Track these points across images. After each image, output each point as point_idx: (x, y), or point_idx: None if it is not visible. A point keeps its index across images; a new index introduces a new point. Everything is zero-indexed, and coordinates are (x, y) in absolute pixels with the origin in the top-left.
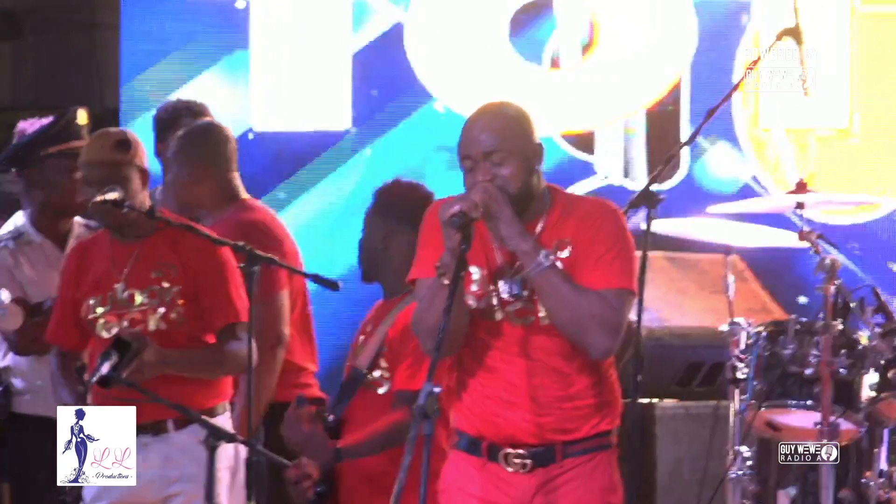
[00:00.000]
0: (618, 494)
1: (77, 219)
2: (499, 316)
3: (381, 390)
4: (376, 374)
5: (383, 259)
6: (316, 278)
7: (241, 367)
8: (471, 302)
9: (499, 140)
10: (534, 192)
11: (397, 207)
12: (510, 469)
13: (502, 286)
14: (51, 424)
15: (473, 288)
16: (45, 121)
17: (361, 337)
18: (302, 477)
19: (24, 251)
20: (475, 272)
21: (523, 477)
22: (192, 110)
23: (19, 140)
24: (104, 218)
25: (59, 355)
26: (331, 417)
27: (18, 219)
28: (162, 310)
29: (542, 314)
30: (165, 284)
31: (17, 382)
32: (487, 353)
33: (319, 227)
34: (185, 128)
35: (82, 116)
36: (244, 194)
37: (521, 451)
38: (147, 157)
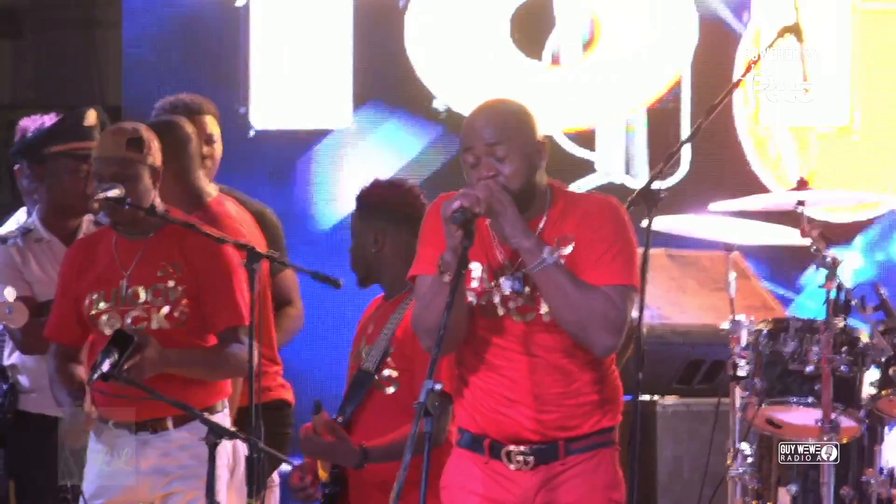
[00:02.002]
0: (620, 491)
1: (88, 216)
2: (500, 312)
3: (389, 390)
4: (384, 374)
5: (378, 261)
6: (317, 276)
7: (241, 370)
8: (470, 298)
9: (501, 133)
10: (536, 189)
11: (383, 207)
12: (513, 466)
13: (504, 283)
14: (55, 423)
15: (473, 284)
16: (48, 118)
17: (364, 337)
18: (306, 484)
19: (32, 248)
20: (475, 268)
21: (526, 474)
22: (190, 108)
23: (25, 136)
24: (110, 215)
25: (57, 356)
26: (340, 419)
27: (22, 215)
28: (166, 309)
29: (543, 311)
30: (171, 283)
31: (24, 380)
32: (489, 351)
33: (320, 225)
34: (148, 123)
35: (91, 117)
36: (211, 193)
37: (523, 448)
38: (159, 158)
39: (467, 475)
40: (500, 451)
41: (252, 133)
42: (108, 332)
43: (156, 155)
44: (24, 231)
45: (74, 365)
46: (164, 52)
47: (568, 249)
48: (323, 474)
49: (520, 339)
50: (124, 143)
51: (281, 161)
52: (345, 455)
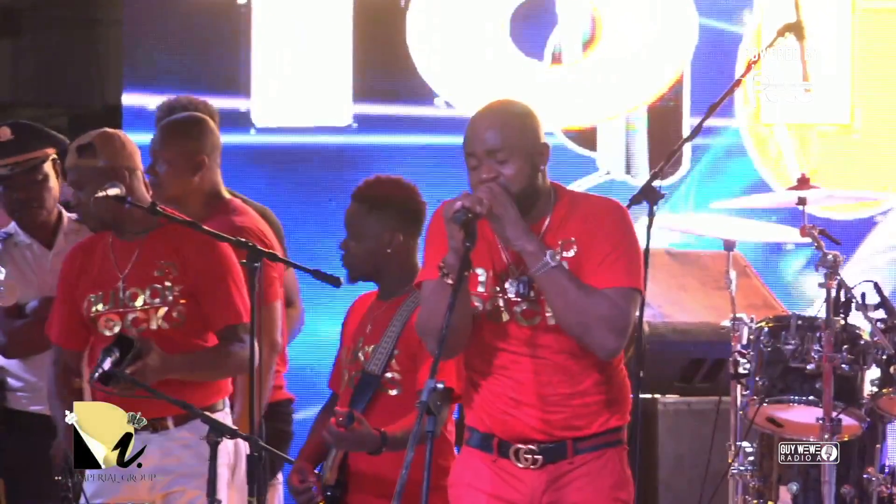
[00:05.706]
0: (628, 490)
1: (69, 215)
2: (505, 317)
3: (393, 392)
4: (388, 376)
5: (387, 260)
6: (317, 274)
7: (242, 368)
8: (477, 304)
9: (503, 138)
10: (538, 190)
11: (396, 206)
12: (520, 465)
13: (508, 287)
14: (44, 421)
15: (479, 289)
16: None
17: (361, 337)
18: (307, 486)
19: (12, 252)
20: (481, 273)
21: (533, 473)
22: (188, 109)
23: None
24: (99, 214)
25: (58, 364)
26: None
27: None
28: (164, 309)
29: (548, 314)
30: (167, 283)
31: (11, 381)
32: (495, 354)
33: (320, 223)
34: (175, 118)
35: (4, 134)
36: (225, 193)
37: (531, 446)
38: (122, 155)
39: (475, 473)
40: (508, 449)
41: (253, 132)
42: (107, 333)
43: (114, 156)
44: (5, 236)
45: (73, 377)
46: (164, 51)
47: (571, 252)
48: (329, 477)
49: (525, 342)
50: (74, 152)
51: (282, 159)
52: (367, 440)
